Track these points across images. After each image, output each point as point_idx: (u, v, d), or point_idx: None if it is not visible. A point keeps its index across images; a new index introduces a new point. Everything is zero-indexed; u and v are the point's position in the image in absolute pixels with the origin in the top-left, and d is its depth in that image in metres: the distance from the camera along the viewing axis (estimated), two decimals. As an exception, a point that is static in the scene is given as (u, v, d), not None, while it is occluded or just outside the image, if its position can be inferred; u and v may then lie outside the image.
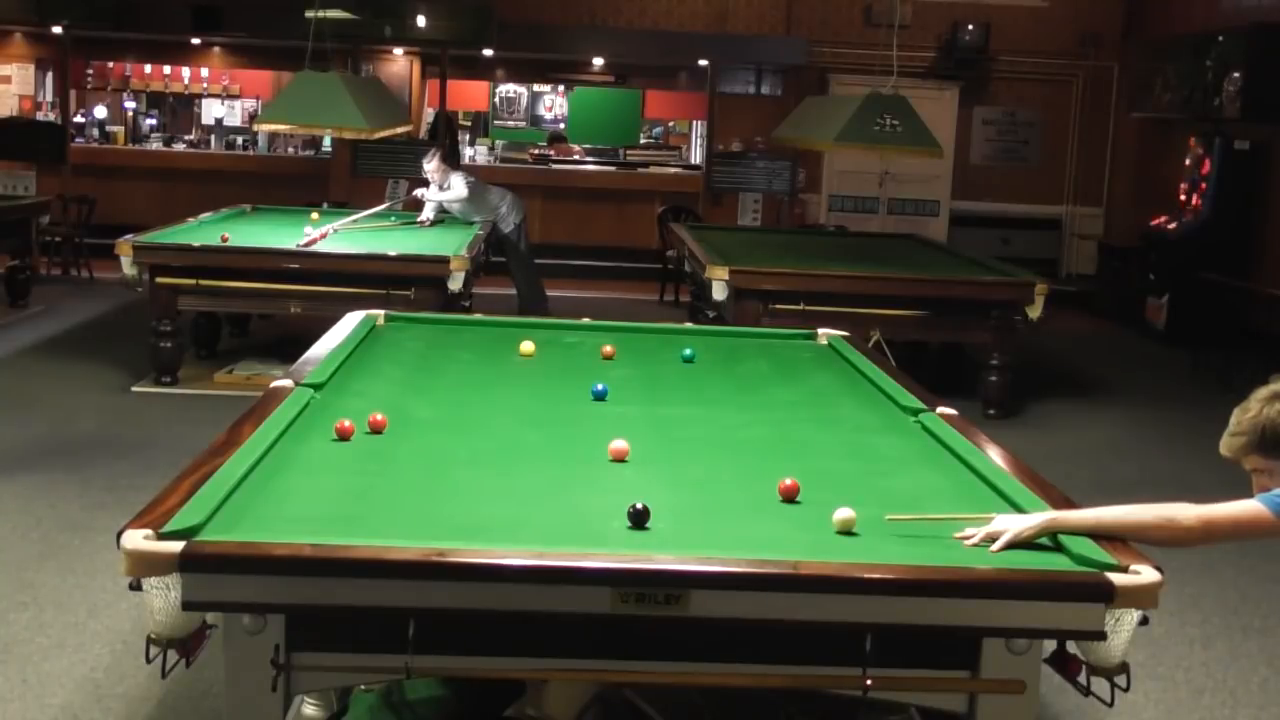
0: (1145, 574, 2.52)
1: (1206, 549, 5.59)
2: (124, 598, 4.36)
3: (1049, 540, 2.71)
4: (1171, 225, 11.44)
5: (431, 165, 9.43)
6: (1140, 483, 6.68)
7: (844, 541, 2.69)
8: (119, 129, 14.30)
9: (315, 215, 9.36)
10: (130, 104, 14.63)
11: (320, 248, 7.93)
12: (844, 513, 2.78)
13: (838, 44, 13.01)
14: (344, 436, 3.34)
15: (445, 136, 12.70)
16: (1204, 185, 11.14)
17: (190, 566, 2.41)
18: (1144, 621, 2.56)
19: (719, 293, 7.49)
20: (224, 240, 7.92)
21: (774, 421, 3.84)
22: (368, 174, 12.39)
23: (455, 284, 7.37)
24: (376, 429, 3.43)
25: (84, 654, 4.18)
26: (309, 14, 8.83)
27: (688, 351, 4.72)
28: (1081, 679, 2.63)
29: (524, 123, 15.93)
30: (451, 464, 3.24)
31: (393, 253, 7.84)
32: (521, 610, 2.46)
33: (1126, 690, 2.65)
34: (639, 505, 2.73)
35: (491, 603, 2.45)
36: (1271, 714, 4.23)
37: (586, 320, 5.44)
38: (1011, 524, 2.70)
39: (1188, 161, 11.48)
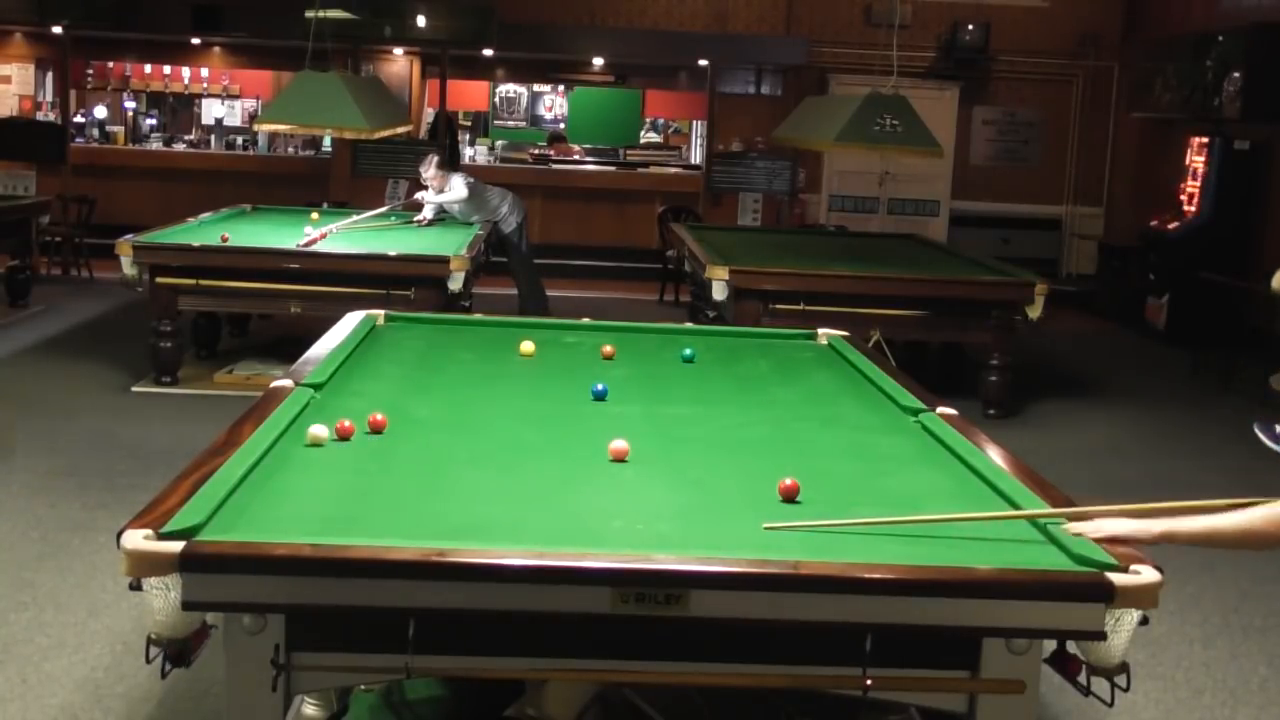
0: (1145, 574, 2.52)
1: (1207, 548, 5.59)
2: (124, 598, 4.36)
3: (1048, 540, 2.71)
4: (1171, 225, 11.44)
5: (430, 173, 9.42)
6: (1140, 483, 6.67)
7: (844, 541, 2.69)
8: (119, 129, 14.30)
9: (315, 215, 9.36)
10: (130, 104, 14.63)
11: (320, 248, 7.93)
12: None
13: (838, 44, 13.01)
14: (344, 436, 3.34)
15: (445, 137, 12.69)
16: (1203, 179, 11.15)
17: (190, 566, 2.41)
18: (1144, 621, 2.56)
19: (719, 293, 7.49)
20: (224, 240, 7.92)
21: (774, 421, 3.84)
22: (368, 174, 12.39)
23: (455, 284, 7.37)
24: (376, 429, 3.43)
25: (84, 654, 4.18)
26: (309, 14, 8.82)
27: (688, 351, 4.72)
28: (1081, 679, 2.63)
29: (524, 123, 15.94)
30: (451, 464, 3.23)
31: (393, 253, 7.84)
32: (521, 610, 2.46)
33: (1126, 690, 2.65)
34: None
35: (491, 603, 2.45)
36: (1271, 714, 4.23)
37: (586, 320, 5.44)
38: (1122, 528, 2.69)
39: (1188, 161, 11.49)
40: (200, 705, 3.81)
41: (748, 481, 3.15)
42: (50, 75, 13.60)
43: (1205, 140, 11.14)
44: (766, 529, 2.73)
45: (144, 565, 2.42)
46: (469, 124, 15.76)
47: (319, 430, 3.31)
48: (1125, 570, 2.52)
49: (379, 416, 3.46)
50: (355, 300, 6.36)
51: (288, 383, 3.82)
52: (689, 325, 6.45)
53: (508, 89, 15.73)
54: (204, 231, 8.34)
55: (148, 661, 2.47)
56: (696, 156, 14.88)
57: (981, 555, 2.63)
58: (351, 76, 10.08)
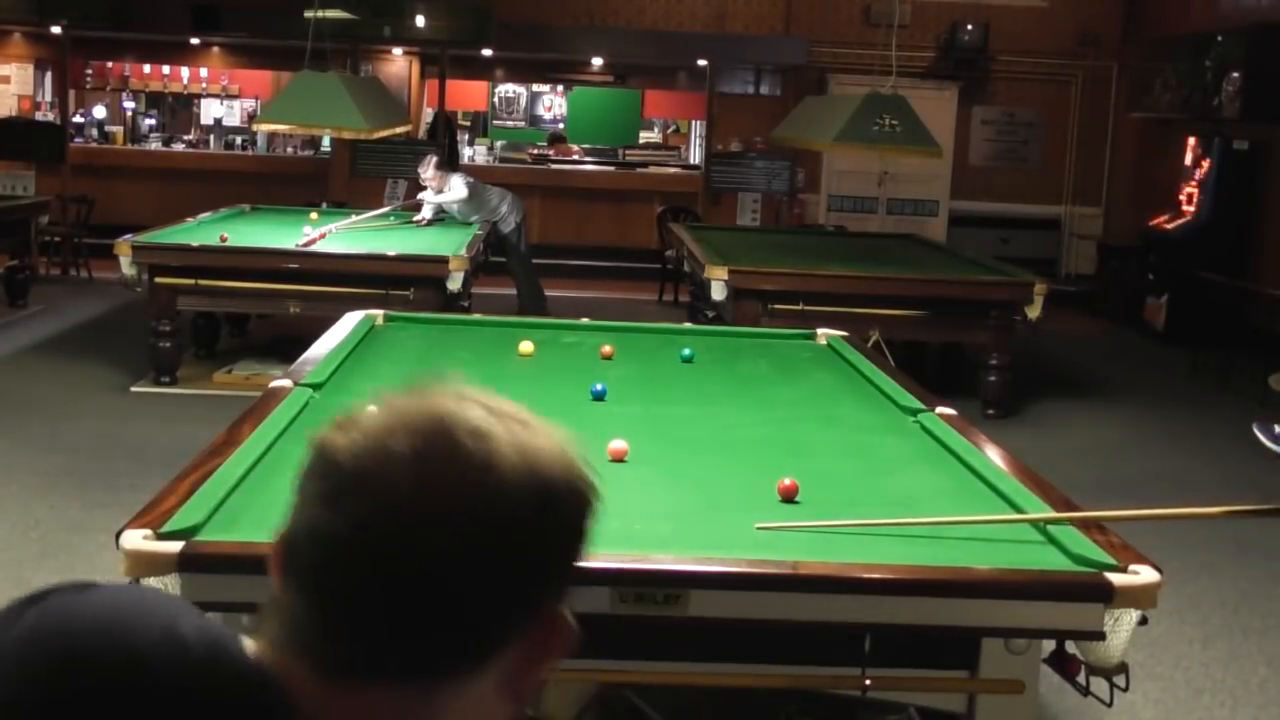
0: (1144, 574, 2.52)
1: (1206, 549, 5.60)
2: (123, 598, 4.35)
3: (1048, 540, 2.71)
4: (1171, 225, 11.44)
5: (429, 173, 9.42)
6: (1140, 482, 6.67)
7: (844, 541, 2.69)
8: (118, 129, 14.30)
9: (314, 215, 9.36)
10: (129, 104, 14.63)
11: (319, 248, 7.93)
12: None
13: (837, 44, 13.01)
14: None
15: (444, 137, 12.69)
16: (1202, 179, 11.15)
17: (189, 566, 2.41)
18: (1143, 621, 2.56)
19: (718, 293, 7.49)
20: (223, 240, 7.92)
21: (773, 421, 3.84)
22: (367, 174, 12.39)
23: (454, 284, 7.36)
24: None
25: (83, 654, 4.17)
26: (309, 14, 8.83)
27: (687, 351, 4.72)
28: (1081, 679, 2.63)
29: (523, 123, 15.94)
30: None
31: (392, 253, 7.84)
32: (521, 610, 2.45)
33: (1125, 690, 2.65)
34: None
35: (491, 603, 2.44)
36: (1271, 714, 4.23)
37: (586, 320, 5.44)
38: None
39: (1187, 161, 11.49)
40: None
41: (747, 482, 3.15)
42: (49, 75, 13.60)
43: (1205, 140, 11.15)
44: (759, 529, 2.73)
45: (143, 565, 2.42)
46: (468, 124, 15.76)
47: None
48: (1124, 570, 2.52)
49: None
50: (354, 300, 6.35)
51: (287, 383, 3.82)
52: (688, 325, 6.46)
53: (507, 89, 15.72)
54: (203, 231, 8.34)
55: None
56: (695, 156, 14.88)
57: (981, 555, 2.63)
58: (350, 77, 10.08)
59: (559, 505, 0.98)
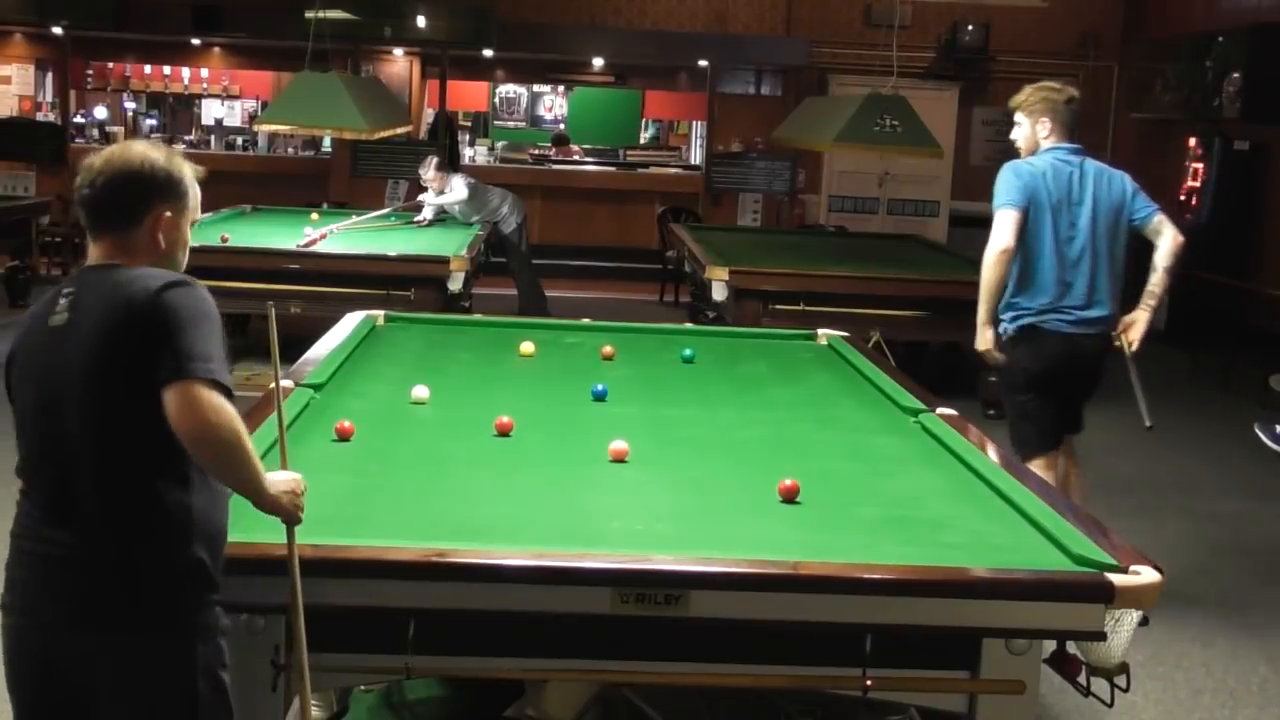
0: (1145, 574, 2.52)
1: (1206, 549, 5.60)
2: (124, 598, 4.34)
3: (1048, 540, 2.71)
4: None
5: (429, 174, 9.41)
6: (1140, 482, 6.67)
7: (844, 542, 2.69)
8: (119, 129, 14.29)
9: (315, 216, 9.36)
10: (130, 104, 14.64)
11: (320, 248, 7.93)
12: None
13: (837, 44, 13.00)
14: (344, 437, 3.34)
15: (445, 138, 12.69)
16: (1203, 180, 11.14)
17: (190, 567, 2.40)
18: (1144, 622, 2.56)
19: (719, 293, 7.49)
20: (224, 240, 7.93)
21: (774, 422, 3.84)
22: (367, 174, 12.40)
23: (455, 284, 7.36)
24: (504, 431, 3.44)
25: (84, 654, 4.16)
26: (309, 14, 8.83)
27: (687, 352, 4.72)
28: (1081, 679, 2.63)
29: (524, 123, 15.94)
30: (452, 464, 3.24)
31: (393, 253, 7.84)
32: (521, 610, 2.46)
33: (1126, 690, 2.65)
34: None
35: (491, 603, 2.45)
36: (1271, 714, 4.23)
37: (586, 321, 5.44)
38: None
39: (1187, 162, 11.48)
40: (200, 705, 3.79)
41: (747, 482, 3.15)
42: (50, 75, 13.60)
43: (1205, 141, 11.14)
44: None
45: (144, 565, 2.41)
46: (469, 125, 15.76)
47: (421, 391, 3.74)
48: (1125, 571, 2.52)
49: (505, 419, 3.46)
50: (355, 300, 6.35)
51: (288, 383, 3.82)
52: (689, 326, 6.46)
53: (508, 89, 15.72)
54: (203, 232, 8.33)
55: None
56: (696, 157, 14.88)
57: (981, 556, 2.63)
58: (351, 77, 10.08)
59: (157, 168, 2.39)
